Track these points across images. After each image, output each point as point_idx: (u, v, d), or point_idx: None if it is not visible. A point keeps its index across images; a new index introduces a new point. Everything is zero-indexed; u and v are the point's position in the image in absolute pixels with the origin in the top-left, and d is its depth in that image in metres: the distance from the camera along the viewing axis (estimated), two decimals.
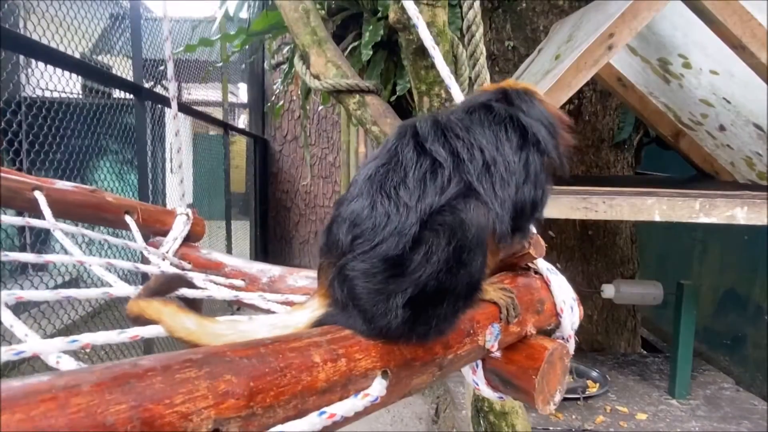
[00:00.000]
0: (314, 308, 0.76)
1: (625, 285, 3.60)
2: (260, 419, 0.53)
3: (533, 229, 0.97)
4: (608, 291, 3.53)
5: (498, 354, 0.89)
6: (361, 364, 0.65)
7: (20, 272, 3.82)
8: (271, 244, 8.42)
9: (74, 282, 4.20)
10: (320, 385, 0.59)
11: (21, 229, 3.66)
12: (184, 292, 1.00)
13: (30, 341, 0.73)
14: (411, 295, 0.68)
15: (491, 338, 0.84)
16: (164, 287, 0.90)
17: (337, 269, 0.73)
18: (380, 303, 0.69)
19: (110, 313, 3.69)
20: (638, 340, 4.57)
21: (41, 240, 3.55)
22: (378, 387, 0.66)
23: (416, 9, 1.19)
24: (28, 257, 1.13)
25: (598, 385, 3.46)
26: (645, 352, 4.60)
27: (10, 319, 0.80)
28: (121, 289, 1.01)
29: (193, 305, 1.00)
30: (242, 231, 7.51)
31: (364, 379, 0.65)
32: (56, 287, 3.43)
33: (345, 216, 0.74)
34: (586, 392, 3.33)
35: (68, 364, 0.68)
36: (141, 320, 0.78)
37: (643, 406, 3.24)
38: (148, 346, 3.39)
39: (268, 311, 1.10)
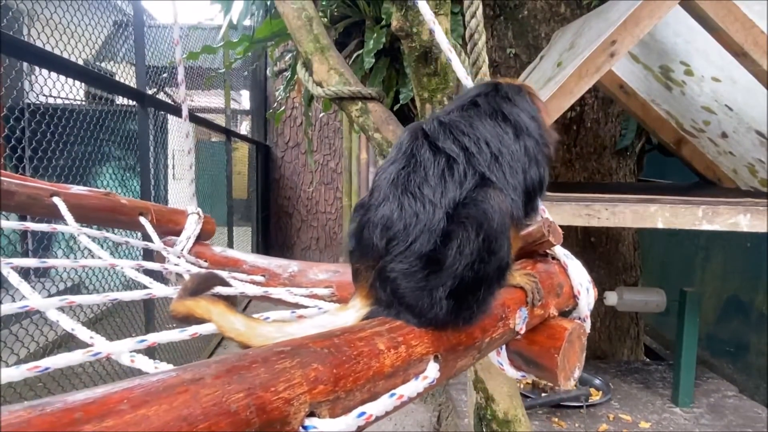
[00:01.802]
0: (358, 308, 0.81)
1: (628, 292, 3.59)
2: (343, 402, 0.58)
3: (543, 209, 1.05)
4: (611, 298, 3.52)
5: (520, 336, 0.95)
6: (417, 350, 0.71)
7: (23, 278, 3.82)
8: (272, 251, 8.42)
9: (76, 288, 4.20)
10: (387, 370, 0.65)
11: (23, 236, 3.66)
12: (219, 290, 1.03)
13: (99, 343, 0.76)
14: (451, 288, 0.74)
15: (520, 321, 0.90)
16: (201, 286, 0.92)
17: (376, 272, 0.78)
18: (425, 298, 0.74)
19: (111, 319, 3.69)
20: (641, 348, 4.55)
21: (43, 246, 3.56)
22: (433, 369, 0.72)
23: (432, 14, 1.19)
24: (64, 262, 1.18)
25: (600, 392, 3.44)
26: (648, 359, 4.58)
27: (70, 323, 0.82)
28: (160, 290, 1.04)
29: (227, 302, 1.03)
30: (244, 237, 7.51)
31: (420, 363, 0.72)
32: (59, 293, 3.43)
33: (376, 221, 0.78)
34: (589, 400, 3.31)
35: (144, 362, 0.72)
36: (189, 320, 0.81)
37: (647, 415, 3.23)
38: (149, 353, 3.37)
39: (296, 305, 1.12)
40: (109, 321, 3.68)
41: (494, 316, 0.85)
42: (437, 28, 1.19)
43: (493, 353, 1.01)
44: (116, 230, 2.10)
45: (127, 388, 0.43)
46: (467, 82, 1.20)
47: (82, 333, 0.80)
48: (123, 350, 0.72)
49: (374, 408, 0.61)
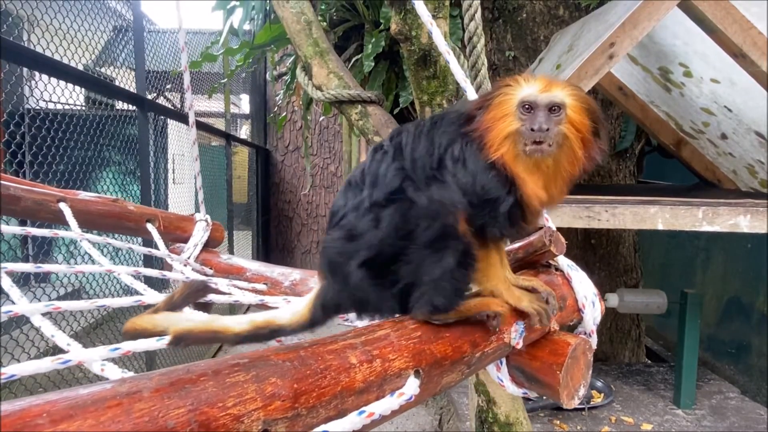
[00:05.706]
0: (315, 290, 0.87)
1: (629, 294, 3.59)
2: (305, 419, 0.55)
3: (547, 218, 1.04)
4: (612, 300, 3.52)
5: (522, 350, 0.91)
6: (394, 365, 0.67)
7: (23, 284, 3.82)
8: (273, 254, 8.42)
9: (76, 293, 4.19)
10: (358, 386, 0.62)
11: (24, 241, 3.66)
12: (212, 297, 1.02)
13: (74, 350, 0.74)
14: (366, 258, 0.80)
15: (516, 336, 0.87)
16: (189, 298, 0.91)
17: (320, 248, 0.89)
18: (343, 265, 0.82)
19: (112, 324, 3.68)
20: (642, 350, 4.55)
21: (44, 252, 3.55)
22: (412, 386, 0.68)
23: (429, 15, 1.19)
24: (60, 268, 1.17)
25: (602, 395, 3.44)
26: (649, 361, 4.57)
27: (51, 330, 0.81)
28: (152, 296, 1.03)
29: (204, 307, 1.03)
30: (244, 241, 7.50)
31: (398, 378, 0.67)
32: (59, 299, 3.43)
33: (330, 211, 0.91)
34: (591, 402, 3.31)
35: (113, 371, 0.70)
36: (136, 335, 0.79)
37: (648, 417, 3.22)
38: (150, 358, 3.38)
39: None
40: (109, 326, 3.67)
41: (486, 330, 0.81)
42: (435, 30, 1.18)
43: (493, 368, 0.97)
44: (117, 236, 2.10)
45: (52, 401, 0.41)
46: (465, 85, 1.19)
47: (61, 339, 0.79)
48: (95, 358, 0.70)
49: (339, 427, 0.57)
